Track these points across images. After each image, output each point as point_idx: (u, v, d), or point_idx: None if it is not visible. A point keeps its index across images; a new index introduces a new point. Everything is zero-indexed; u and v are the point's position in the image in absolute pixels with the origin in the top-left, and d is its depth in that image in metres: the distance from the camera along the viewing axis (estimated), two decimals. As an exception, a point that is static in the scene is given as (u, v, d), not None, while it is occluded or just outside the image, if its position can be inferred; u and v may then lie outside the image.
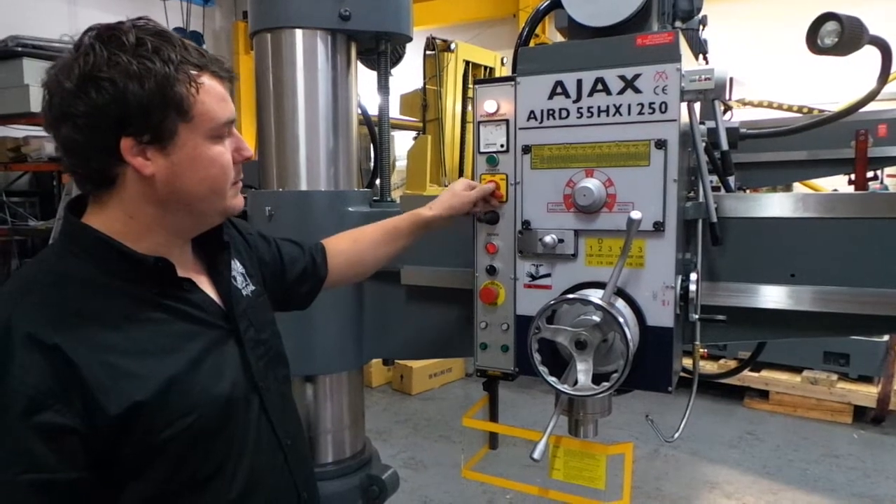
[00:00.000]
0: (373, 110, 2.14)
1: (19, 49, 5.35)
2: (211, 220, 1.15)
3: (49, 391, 0.91)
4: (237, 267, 1.28)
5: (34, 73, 5.42)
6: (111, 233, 1.04)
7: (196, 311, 1.11)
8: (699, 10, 1.74)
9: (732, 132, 1.65)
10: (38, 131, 6.15)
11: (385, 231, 1.58)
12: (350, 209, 1.90)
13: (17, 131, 6.19)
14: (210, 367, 1.08)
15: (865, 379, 5.14)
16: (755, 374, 5.34)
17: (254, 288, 1.30)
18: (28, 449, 0.89)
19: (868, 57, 1.63)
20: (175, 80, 0.99)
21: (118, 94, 0.96)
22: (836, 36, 1.40)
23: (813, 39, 1.43)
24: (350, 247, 1.58)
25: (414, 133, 6.22)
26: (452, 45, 5.70)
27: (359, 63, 2.04)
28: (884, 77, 1.63)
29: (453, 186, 1.56)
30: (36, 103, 5.38)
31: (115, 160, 1.00)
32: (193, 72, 1.01)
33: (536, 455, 1.44)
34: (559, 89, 1.42)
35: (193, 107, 1.01)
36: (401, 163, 6.16)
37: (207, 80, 1.04)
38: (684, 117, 1.38)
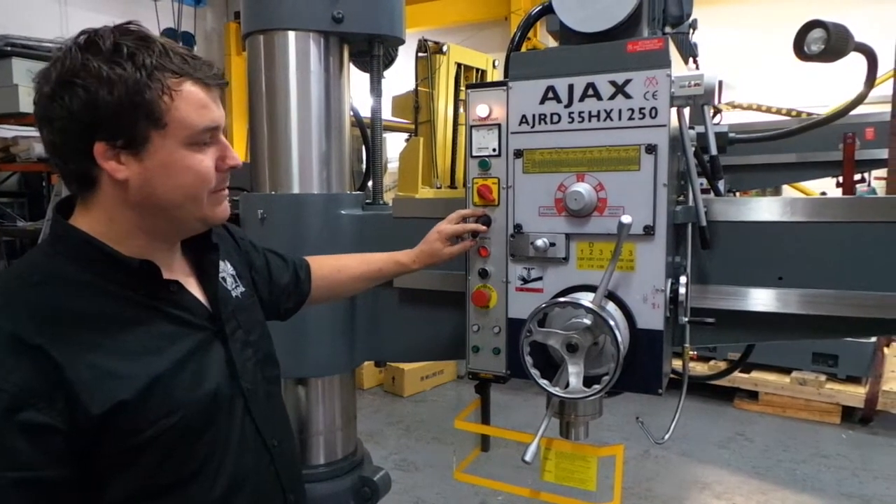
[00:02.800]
0: (365, 112, 2.14)
1: (8, 49, 5.31)
2: (190, 228, 1.14)
3: (32, 390, 0.91)
4: (227, 268, 1.29)
5: (23, 72, 5.38)
6: (96, 234, 1.04)
7: (182, 313, 1.11)
8: (689, 15, 1.76)
9: (721, 137, 1.67)
10: (27, 131, 6.12)
11: (368, 271, 1.63)
12: (343, 212, 1.90)
13: (6, 131, 6.15)
14: (194, 369, 1.09)
15: (854, 379, 5.18)
16: (745, 375, 5.38)
17: (243, 289, 1.31)
18: (11, 447, 0.90)
19: (855, 60, 1.65)
20: (146, 86, 0.98)
21: (90, 100, 0.97)
22: (822, 43, 1.42)
23: (800, 46, 1.45)
24: (332, 274, 1.61)
25: (406, 135, 6.22)
26: (444, 48, 5.71)
27: (351, 65, 2.04)
28: (870, 82, 1.66)
29: (433, 246, 1.57)
30: (24, 103, 5.35)
31: (92, 163, 1.01)
32: (171, 78, 1.01)
33: (528, 457, 1.45)
34: (551, 94, 1.43)
35: (166, 114, 1.01)
36: (392, 164, 6.17)
37: (188, 87, 1.03)
38: (674, 122, 1.40)
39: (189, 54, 1.05)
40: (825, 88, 6.17)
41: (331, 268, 1.62)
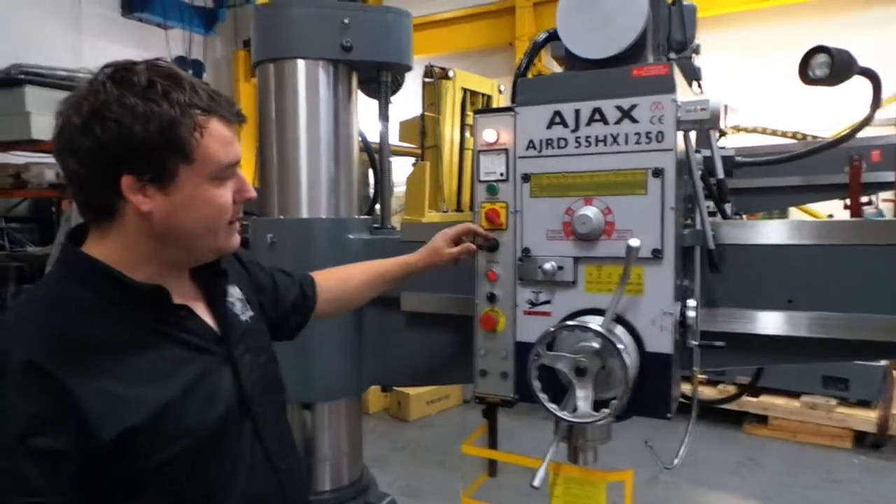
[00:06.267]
0: (373, 137, 2.16)
1: (22, 77, 5.40)
2: (205, 257, 1.17)
3: (44, 416, 0.92)
4: (236, 293, 1.30)
5: (36, 100, 5.47)
6: (109, 262, 1.06)
7: (192, 338, 1.12)
8: (692, 40, 1.78)
9: (728, 160, 1.68)
10: (38, 158, 6.19)
11: (374, 275, 1.63)
12: (351, 236, 1.91)
13: (18, 157, 6.22)
14: (203, 393, 1.09)
15: (864, 403, 5.11)
16: (754, 400, 5.31)
17: (252, 314, 1.32)
18: (22, 473, 0.90)
19: (858, 83, 1.67)
20: (180, 123, 1.01)
21: (122, 134, 0.98)
22: (826, 67, 1.44)
23: (804, 71, 1.47)
24: (338, 285, 1.62)
25: (413, 159, 6.26)
26: (450, 73, 5.76)
27: (359, 91, 2.07)
28: (875, 105, 1.67)
29: (435, 244, 1.60)
30: (37, 130, 5.42)
31: (115, 195, 1.02)
32: (200, 116, 1.04)
33: (536, 482, 1.43)
34: (557, 119, 1.45)
35: (196, 150, 1.04)
36: (399, 189, 6.18)
37: (214, 124, 1.06)
38: (680, 146, 1.41)
39: (213, 91, 1.08)
40: (830, 111, 6.19)
41: (336, 279, 1.63)
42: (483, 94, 6.19)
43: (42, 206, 7.18)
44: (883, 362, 5.06)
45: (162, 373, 1.05)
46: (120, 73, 1.02)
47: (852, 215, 3.53)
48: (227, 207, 1.11)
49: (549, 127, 1.46)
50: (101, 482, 0.97)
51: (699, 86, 2.06)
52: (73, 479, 0.94)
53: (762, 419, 5.34)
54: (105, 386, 0.97)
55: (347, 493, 2.00)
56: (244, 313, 1.29)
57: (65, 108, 1.02)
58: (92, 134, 0.99)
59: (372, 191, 2.21)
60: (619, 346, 1.31)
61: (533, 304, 1.51)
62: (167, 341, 1.08)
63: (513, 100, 1.53)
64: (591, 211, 1.41)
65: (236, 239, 1.17)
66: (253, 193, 1.16)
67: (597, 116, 1.41)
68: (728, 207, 1.67)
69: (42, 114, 5.41)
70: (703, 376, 5.53)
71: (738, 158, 1.75)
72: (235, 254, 1.40)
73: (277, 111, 1.91)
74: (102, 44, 8.34)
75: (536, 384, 1.40)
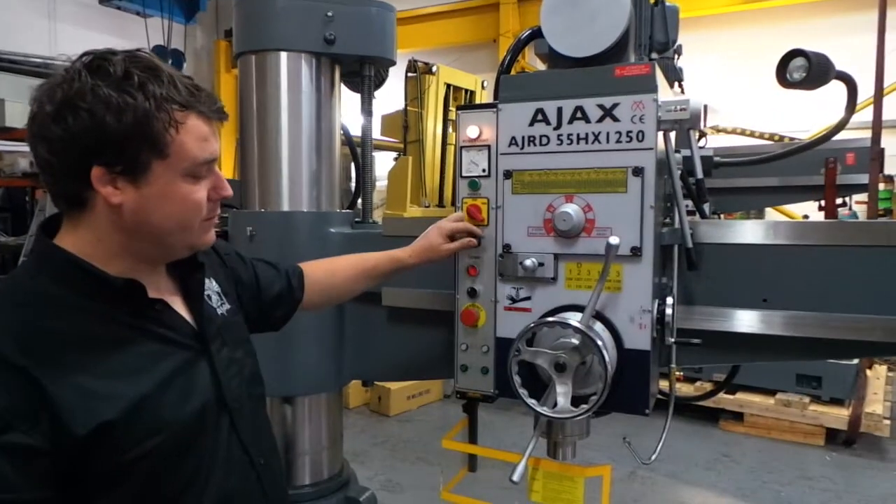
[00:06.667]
0: (355, 131, 2.16)
1: (-5, 63, 5.31)
2: (178, 253, 1.15)
3: (16, 412, 0.91)
4: (212, 285, 1.29)
5: (9, 87, 5.38)
6: (81, 254, 1.04)
7: (167, 332, 1.11)
8: (675, 41, 1.80)
9: (707, 160, 1.70)
10: (12, 146, 6.08)
11: (362, 269, 1.61)
12: (332, 230, 1.91)
13: (-8, 146, 6.10)
14: (179, 388, 1.08)
15: (837, 401, 5.21)
16: (730, 397, 5.39)
17: (229, 307, 1.31)
18: None
19: (836, 87, 1.70)
20: (154, 117, 0.99)
21: (94, 124, 0.97)
22: (804, 71, 1.46)
23: (782, 74, 1.49)
24: (325, 278, 1.60)
25: (395, 154, 6.26)
26: (434, 68, 5.76)
27: (342, 85, 2.06)
28: (850, 109, 1.70)
29: (430, 238, 1.57)
30: (10, 117, 5.33)
31: (86, 186, 1.00)
32: (177, 110, 1.01)
33: (515, 477, 1.45)
34: (540, 116, 1.45)
35: (170, 145, 1.01)
36: (381, 183, 6.18)
37: (192, 120, 1.04)
38: (661, 145, 1.42)
39: (194, 85, 1.06)
40: (807, 114, 6.28)
41: (324, 271, 1.61)
42: (466, 90, 6.20)
43: (15, 195, 7.03)
44: (855, 361, 5.16)
45: (137, 367, 1.03)
46: (96, 61, 0.99)
47: (827, 216, 3.59)
48: (201, 205, 1.08)
49: (531, 124, 1.46)
50: (76, 477, 0.96)
51: (681, 87, 2.08)
52: (47, 474, 0.93)
53: (738, 416, 5.43)
54: (78, 381, 0.96)
55: (327, 487, 2.01)
56: (221, 306, 1.28)
57: (39, 95, 1.00)
58: (64, 123, 0.97)
59: (354, 185, 2.21)
60: (599, 342, 1.32)
61: (513, 300, 1.52)
62: (143, 336, 1.07)
63: (496, 96, 1.53)
64: (571, 208, 1.42)
65: (211, 236, 1.15)
66: (229, 192, 1.14)
67: (579, 114, 1.42)
68: (706, 207, 1.69)
69: (16, 101, 5.32)
70: (681, 373, 5.60)
71: (717, 159, 1.78)
72: (213, 245, 1.39)
73: (259, 103, 1.89)
74: (79, 31, 8.19)
75: (516, 380, 1.41)
